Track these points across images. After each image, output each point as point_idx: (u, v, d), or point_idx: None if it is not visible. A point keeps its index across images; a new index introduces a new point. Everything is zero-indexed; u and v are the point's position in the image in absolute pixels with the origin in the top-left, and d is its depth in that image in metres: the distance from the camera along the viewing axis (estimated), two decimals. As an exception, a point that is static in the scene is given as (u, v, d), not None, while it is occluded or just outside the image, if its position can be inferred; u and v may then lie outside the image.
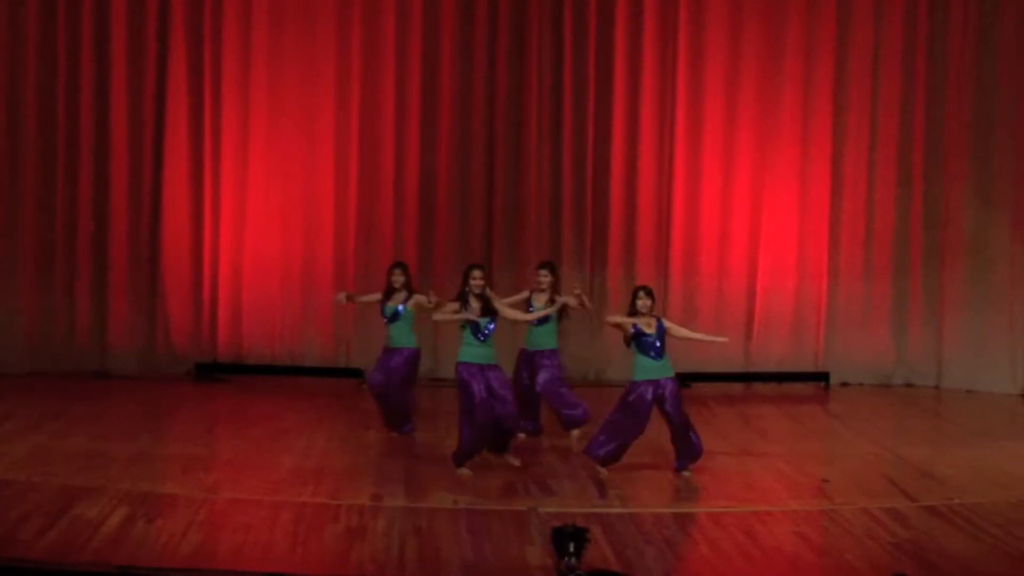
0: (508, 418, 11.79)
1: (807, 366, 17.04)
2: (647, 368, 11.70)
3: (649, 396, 11.63)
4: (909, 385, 17.04)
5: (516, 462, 11.97)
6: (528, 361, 13.13)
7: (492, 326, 11.79)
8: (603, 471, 11.79)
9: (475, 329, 11.70)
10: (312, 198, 16.94)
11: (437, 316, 12.21)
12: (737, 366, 16.87)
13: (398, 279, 13.22)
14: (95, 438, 12.96)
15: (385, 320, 13.23)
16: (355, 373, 16.42)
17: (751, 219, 16.99)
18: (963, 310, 16.79)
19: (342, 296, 14.08)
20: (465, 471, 11.74)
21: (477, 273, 11.88)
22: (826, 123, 16.96)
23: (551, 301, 12.93)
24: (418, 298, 13.16)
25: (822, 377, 16.92)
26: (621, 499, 10.98)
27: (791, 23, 16.92)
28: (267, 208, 16.88)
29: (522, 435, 13.08)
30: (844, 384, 16.99)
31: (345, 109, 16.89)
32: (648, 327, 11.71)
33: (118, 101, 16.69)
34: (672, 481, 11.69)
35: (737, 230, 16.99)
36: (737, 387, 16.76)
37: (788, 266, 17.03)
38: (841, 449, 13.53)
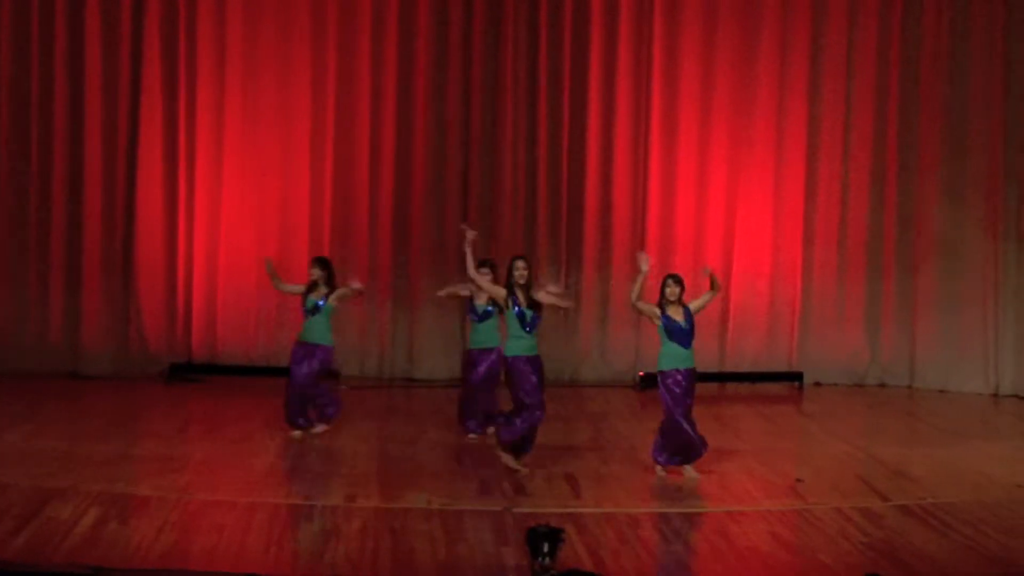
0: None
1: (781, 366, 17.08)
2: (676, 356, 11.68)
3: (684, 381, 11.65)
4: (882, 385, 17.09)
5: (524, 470, 11.77)
6: (472, 361, 13.16)
7: (537, 318, 11.67)
8: (689, 470, 11.77)
9: (521, 320, 11.61)
10: (287, 198, 16.90)
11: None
12: (711, 366, 16.85)
13: (314, 273, 13.30)
14: (68, 439, 12.90)
15: (305, 312, 13.29)
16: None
17: (725, 220, 17.02)
18: (936, 310, 16.84)
19: (269, 265, 13.91)
20: (510, 458, 11.69)
21: (520, 264, 11.79)
22: (800, 125, 17.00)
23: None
24: (341, 291, 13.27)
25: (796, 377, 16.96)
26: (595, 499, 10.98)
27: (766, 25, 16.95)
28: (242, 208, 16.83)
29: (472, 436, 13.18)
30: (818, 384, 17.03)
31: (320, 110, 16.85)
32: (678, 315, 11.70)
33: (92, 100, 16.62)
34: (646, 481, 11.69)
35: (711, 231, 17.02)
36: (711, 387, 16.72)
37: (762, 267, 17.06)
38: (814, 449, 13.54)
